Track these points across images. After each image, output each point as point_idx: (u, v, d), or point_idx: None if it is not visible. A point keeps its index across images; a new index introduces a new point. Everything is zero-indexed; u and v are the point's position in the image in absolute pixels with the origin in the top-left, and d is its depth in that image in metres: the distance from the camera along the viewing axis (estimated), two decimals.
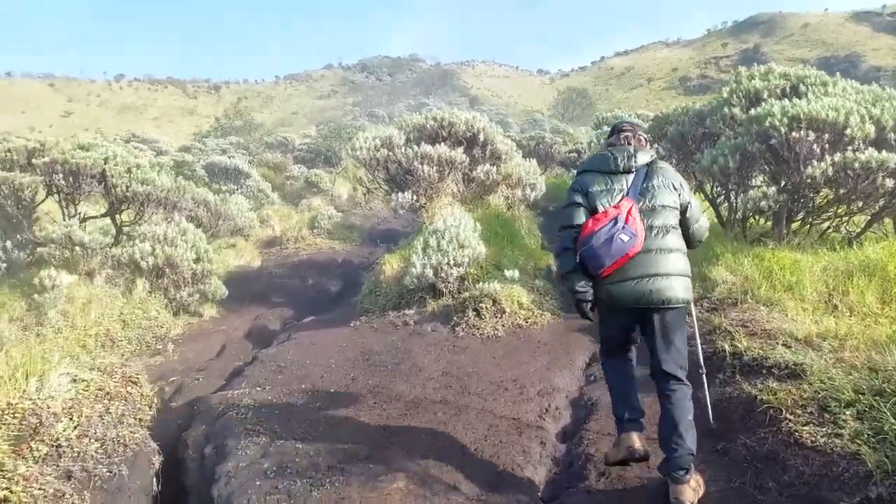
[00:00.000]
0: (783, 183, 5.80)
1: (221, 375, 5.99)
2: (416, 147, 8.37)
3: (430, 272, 6.78)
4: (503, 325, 6.05)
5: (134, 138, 18.19)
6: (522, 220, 9.77)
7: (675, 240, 2.78)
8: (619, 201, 2.71)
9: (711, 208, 7.80)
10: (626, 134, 3.01)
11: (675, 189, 2.81)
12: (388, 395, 4.46)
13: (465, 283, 7.01)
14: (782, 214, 6.29)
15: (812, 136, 5.32)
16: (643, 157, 2.84)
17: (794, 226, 6.32)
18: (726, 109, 6.28)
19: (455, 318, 6.32)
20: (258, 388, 4.94)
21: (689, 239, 2.95)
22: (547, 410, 4.13)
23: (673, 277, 2.69)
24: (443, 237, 6.99)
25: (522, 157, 10.64)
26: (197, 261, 8.57)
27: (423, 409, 4.11)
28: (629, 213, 2.64)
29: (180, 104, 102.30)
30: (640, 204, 2.72)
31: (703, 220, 3.01)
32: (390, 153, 8.36)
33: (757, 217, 7.09)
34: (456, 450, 3.49)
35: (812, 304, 5.01)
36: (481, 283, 6.74)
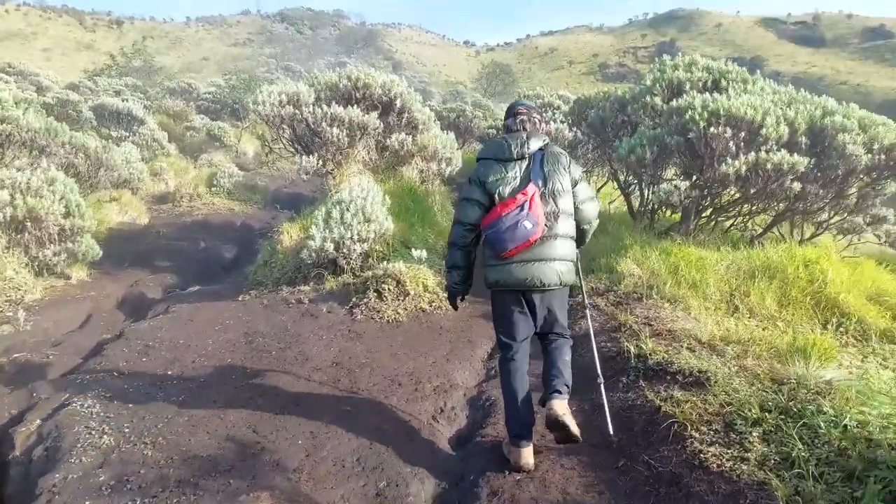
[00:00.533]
0: (694, 178, 5.74)
1: (78, 352, 5.18)
2: (325, 107, 7.67)
3: (330, 247, 6.23)
4: (405, 309, 5.65)
5: (9, 69, 15.86)
6: (436, 196, 9.36)
7: (565, 225, 2.89)
8: (525, 187, 2.81)
9: (623, 198, 7.76)
10: (521, 117, 3.07)
11: (567, 172, 2.92)
12: (267, 388, 3.93)
13: (370, 260, 6.54)
14: (691, 209, 6.28)
15: (729, 132, 5.25)
16: (535, 143, 2.92)
17: (701, 222, 6.34)
18: (648, 98, 6.13)
19: (354, 298, 5.84)
20: (115, 374, 4.26)
21: (580, 217, 3.03)
22: (442, 410, 3.78)
23: (557, 262, 2.85)
24: (347, 209, 6.43)
25: (441, 129, 10.20)
26: (67, 215, 7.50)
27: (305, 408, 3.63)
28: (532, 199, 2.76)
29: (76, 36, 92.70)
30: (541, 189, 2.82)
31: (592, 202, 3.08)
32: (297, 111, 7.62)
33: (665, 210, 7.09)
34: (336, 459, 3.06)
35: (714, 303, 4.98)
36: (386, 262, 6.29)
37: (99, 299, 7.22)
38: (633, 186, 7.35)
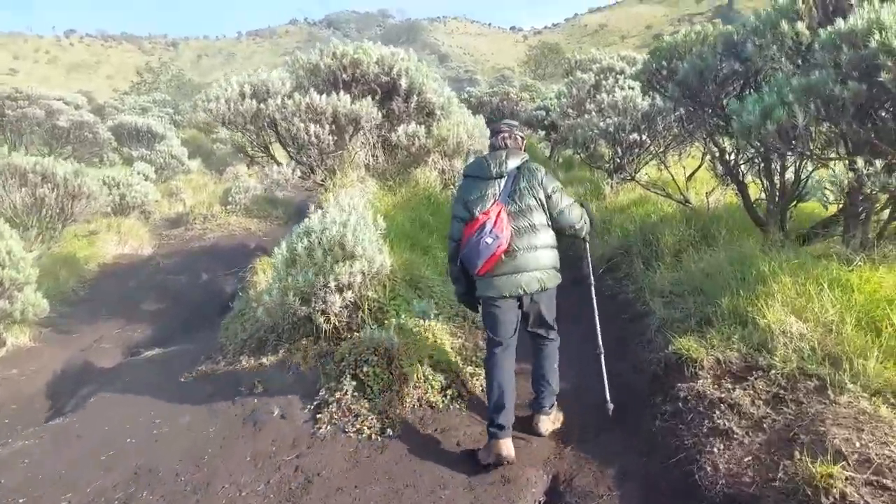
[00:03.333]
0: (889, 156, 3.20)
1: None
2: (298, 97, 5.56)
3: (295, 300, 4.10)
4: (401, 410, 3.44)
5: (17, 94, 14.89)
6: None
7: (542, 237, 3.07)
8: (490, 206, 3.02)
9: (735, 189, 5.25)
10: (503, 135, 3.26)
11: (540, 187, 3.09)
12: None
13: (360, 313, 4.39)
14: (869, 207, 3.76)
15: None
16: (513, 162, 3.12)
17: (890, 227, 3.79)
18: (784, 25, 3.64)
19: (324, 389, 3.69)
20: None
21: (561, 226, 3.16)
22: None
23: (538, 272, 3.05)
24: (319, 242, 4.28)
25: (473, 114, 7.95)
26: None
27: None
28: (497, 216, 2.96)
29: (135, 61, 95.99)
30: (510, 207, 3.03)
31: (573, 208, 3.18)
32: (262, 105, 5.54)
33: (801, 203, 4.59)
34: None
35: None
36: (383, 319, 4.14)
37: (22, 378, 5.48)
38: (752, 169, 4.85)
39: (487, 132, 7.18)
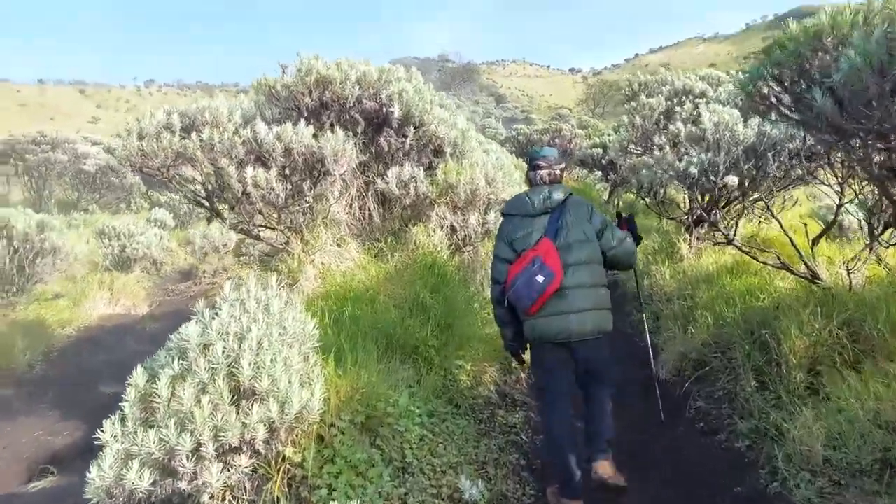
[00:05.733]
0: None
1: None
2: (236, 129, 3.87)
3: (142, 478, 2.25)
4: None
5: (42, 138, 14.32)
6: (487, 270, 5.21)
7: (590, 275, 2.85)
8: (538, 242, 2.83)
9: None
10: (542, 171, 3.04)
11: (588, 221, 2.91)
12: None
13: (270, 489, 2.52)
14: None
15: None
16: (558, 195, 2.92)
17: None
18: None
19: None
20: None
21: (613, 263, 3.00)
22: None
23: (589, 312, 2.81)
24: (195, 368, 2.46)
25: (508, 151, 6.09)
26: None
27: None
28: (547, 252, 2.77)
29: None
30: (557, 241, 2.82)
31: (625, 243, 3.01)
32: (186, 141, 3.90)
33: None
34: None
35: None
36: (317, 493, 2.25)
37: None
38: None
39: (514, 177, 5.31)
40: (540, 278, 2.71)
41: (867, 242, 4.27)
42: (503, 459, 3.21)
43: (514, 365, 4.87)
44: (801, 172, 4.07)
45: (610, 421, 2.89)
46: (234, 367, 2.48)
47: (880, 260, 4.31)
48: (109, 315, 8.86)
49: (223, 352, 2.49)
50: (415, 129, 4.74)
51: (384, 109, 4.64)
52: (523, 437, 3.62)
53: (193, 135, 3.91)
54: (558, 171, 3.07)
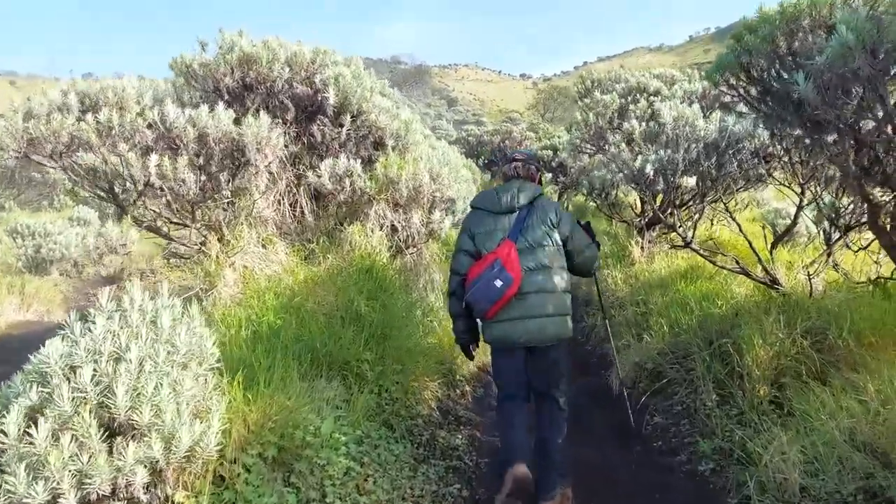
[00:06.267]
0: None
1: None
2: (136, 116, 3.34)
3: None
4: None
5: None
6: (431, 274, 4.79)
7: (552, 279, 2.75)
8: (500, 244, 2.73)
9: None
10: (516, 164, 2.99)
11: (553, 226, 2.81)
12: None
13: None
14: None
15: None
16: (525, 197, 2.83)
17: None
18: None
19: None
20: None
21: (577, 269, 2.93)
22: None
23: (547, 318, 2.72)
24: (50, 398, 1.95)
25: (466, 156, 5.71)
26: None
27: None
28: (507, 255, 2.68)
29: None
30: (520, 244, 2.73)
31: (590, 248, 2.95)
32: (81, 123, 3.34)
33: None
34: None
35: None
36: None
37: None
38: None
39: (462, 174, 4.94)
40: (498, 283, 2.62)
41: (825, 247, 4.11)
42: (443, 491, 2.80)
43: (458, 377, 4.51)
44: (761, 172, 3.85)
45: (560, 458, 2.74)
46: (107, 395, 2.00)
47: (836, 265, 4.16)
48: (20, 322, 8.05)
49: (93, 377, 2.01)
50: (352, 118, 4.29)
51: (318, 95, 4.18)
52: (467, 462, 3.22)
53: (89, 116, 3.35)
54: (533, 168, 3.02)
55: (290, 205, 4.49)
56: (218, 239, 4.11)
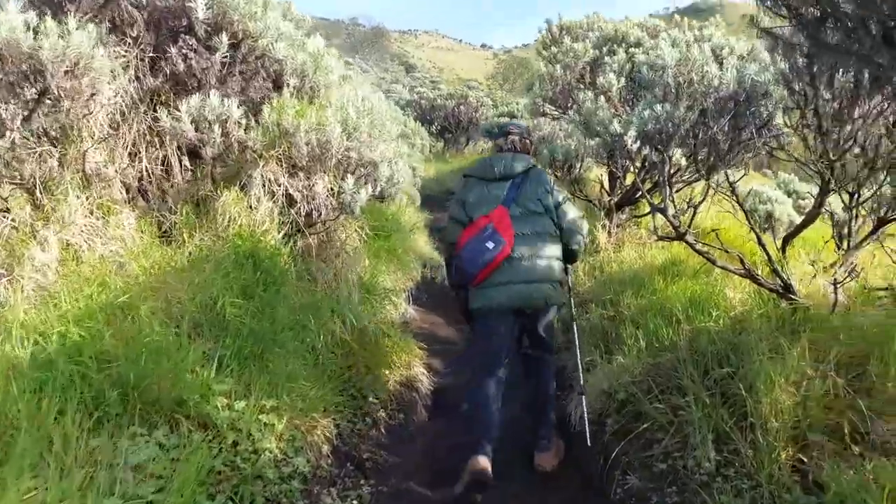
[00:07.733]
0: None
1: None
2: None
3: None
4: None
5: None
6: (348, 263, 3.66)
7: (544, 246, 2.79)
8: (493, 210, 2.76)
9: None
10: (511, 136, 3.03)
11: (548, 193, 2.84)
12: None
13: None
14: None
15: None
16: (519, 165, 2.88)
17: None
18: None
19: None
20: None
21: (568, 240, 2.89)
22: None
23: (537, 284, 2.74)
24: None
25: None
26: None
27: None
28: (500, 220, 2.72)
29: None
30: (512, 210, 2.77)
31: (578, 222, 2.92)
32: None
33: None
34: None
35: None
36: None
37: None
38: None
39: (389, 130, 3.78)
40: (490, 244, 2.67)
41: (845, 248, 3.21)
42: None
43: (371, 399, 3.43)
44: (776, 142, 2.86)
45: (551, 410, 2.89)
46: None
47: (854, 270, 3.26)
48: None
49: None
50: (234, 43, 3.07)
51: (184, 5, 2.94)
52: None
53: None
54: (528, 141, 3.08)
55: (150, 161, 3.26)
56: (30, 203, 2.88)
